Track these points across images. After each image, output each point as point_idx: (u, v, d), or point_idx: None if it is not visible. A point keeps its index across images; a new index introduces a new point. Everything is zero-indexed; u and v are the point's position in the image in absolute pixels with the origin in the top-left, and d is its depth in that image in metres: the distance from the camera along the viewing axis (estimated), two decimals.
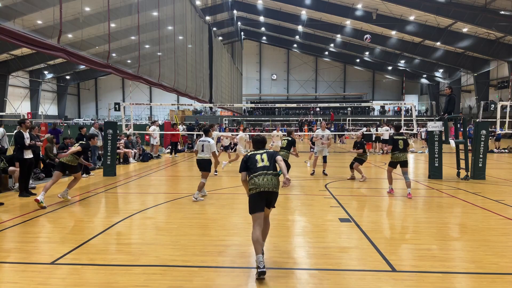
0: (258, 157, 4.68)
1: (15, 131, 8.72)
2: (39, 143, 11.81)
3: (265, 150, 4.83)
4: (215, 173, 12.11)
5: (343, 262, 4.60)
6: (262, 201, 4.47)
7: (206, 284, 3.97)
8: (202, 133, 9.43)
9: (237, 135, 16.50)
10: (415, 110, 17.51)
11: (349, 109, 51.36)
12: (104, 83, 60.93)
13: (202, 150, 8.33)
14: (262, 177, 4.46)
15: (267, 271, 4.26)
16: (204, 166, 8.30)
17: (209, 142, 8.33)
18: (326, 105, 49.30)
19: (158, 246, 5.12)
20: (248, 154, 4.81)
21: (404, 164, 8.72)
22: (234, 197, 8.57)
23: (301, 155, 15.96)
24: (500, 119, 20.32)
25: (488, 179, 10.98)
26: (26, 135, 8.55)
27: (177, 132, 20.46)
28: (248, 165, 4.63)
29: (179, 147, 21.63)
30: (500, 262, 4.56)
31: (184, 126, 24.02)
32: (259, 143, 4.96)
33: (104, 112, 58.50)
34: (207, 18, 31.52)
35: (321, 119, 37.35)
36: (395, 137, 8.81)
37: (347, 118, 39.81)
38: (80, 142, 8.34)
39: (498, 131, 20.85)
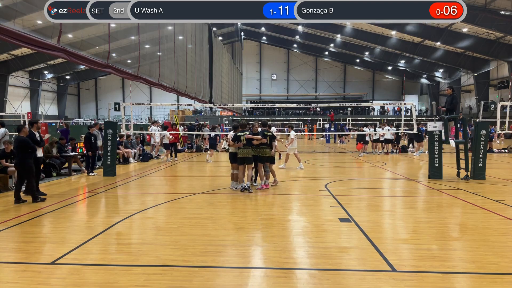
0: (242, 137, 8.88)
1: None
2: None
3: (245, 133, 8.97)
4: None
5: (343, 262, 4.60)
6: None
7: (206, 284, 3.97)
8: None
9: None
10: (415, 110, 17.50)
11: (349, 109, 51.36)
12: (104, 83, 60.95)
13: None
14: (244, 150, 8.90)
15: (267, 271, 4.29)
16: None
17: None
18: (326, 105, 49.27)
19: (158, 246, 5.13)
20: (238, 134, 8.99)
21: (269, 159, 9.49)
22: (234, 197, 8.57)
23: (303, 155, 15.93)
24: (500, 119, 20.32)
25: (488, 179, 10.98)
26: (37, 134, 8.74)
27: (176, 132, 20.36)
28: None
29: (179, 147, 21.61)
30: (500, 262, 4.55)
31: (183, 127, 23.96)
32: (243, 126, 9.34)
33: (104, 112, 58.52)
34: None
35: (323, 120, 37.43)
36: (239, 134, 9.10)
37: (347, 118, 39.82)
38: None
39: (499, 131, 20.85)
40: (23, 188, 8.43)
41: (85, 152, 12.67)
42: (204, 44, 25.65)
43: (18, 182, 8.07)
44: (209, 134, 18.60)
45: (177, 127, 21.34)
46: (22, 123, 9.46)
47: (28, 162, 7.95)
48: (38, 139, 8.72)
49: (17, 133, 8.44)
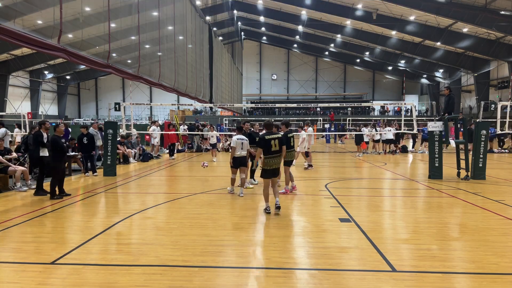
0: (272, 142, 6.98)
1: (34, 131, 9.19)
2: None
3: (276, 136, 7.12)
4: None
5: (343, 262, 4.60)
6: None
7: (206, 284, 3.97)
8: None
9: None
10: (415, 110, 17.47)
11: (349, 109, 51.34)
12: (104, 83, 60.92)
13: (242, 148, 8.79)
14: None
15: (267, 271, 4.29)
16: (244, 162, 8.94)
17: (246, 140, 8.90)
18: (326, 105, 49.14)
19: (158, 246, 5.13)
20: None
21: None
22: (234, 197, 8.57)
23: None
24: (500, 119, 20.30)
25: (488, 179, 10.98)
26: (45, 135, 8.87)
27: (174, 132, 20.35)
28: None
29: (179, 147, 21.62)
30: (500, 262, 4.55)
31: (186, 126, 23.96)
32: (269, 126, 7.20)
33: (104, 112, 58.51)
34: (207, 18, 31.54)
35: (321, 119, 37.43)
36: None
37: (347, 118, 39.81)
38: None
39: (499, 131, 20.81)
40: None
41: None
42: (204, 44, 25.62)
43: (51, 179, 8.39)
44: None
45: (177, 128, 21.39)
46: (34, 123, 9.49)
47: (54, 161, 8.32)
48: (45, 139, 8.80)
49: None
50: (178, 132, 20.88)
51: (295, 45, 54.48)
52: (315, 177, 11.76)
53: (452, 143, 11.41)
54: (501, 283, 4.01)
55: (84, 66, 30.54)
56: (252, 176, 10.30)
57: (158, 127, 20.30)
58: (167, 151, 20.99)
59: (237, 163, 8.77)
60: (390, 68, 51.70)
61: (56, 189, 8.34)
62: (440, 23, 34.10)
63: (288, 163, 8.87)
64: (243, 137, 8.92)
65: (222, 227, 6.11)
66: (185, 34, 20.18)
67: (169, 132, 19.62)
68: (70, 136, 14.75)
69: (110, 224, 6.20)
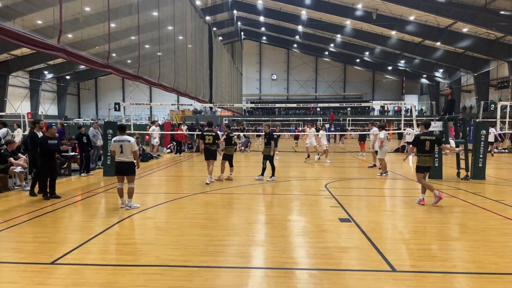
0: None
1: (30, 133, 9.26)
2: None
3: None
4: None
5: (343, 262, 4.60)
6: None
7: (206, 284, 3.97)
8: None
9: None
10: (415, 110, 17.43)
11: (349, 109, 51.37)
12: (104, 83, 60.88)
13: (121, 152, 7.49)
14: None
15: (267, 271, 4.28)
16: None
17: (129, 141, 7.48)
18: (326, 105, 49.25)
19: (158, 246, 5.12)
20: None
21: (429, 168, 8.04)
22: (234, 197, 8.57)
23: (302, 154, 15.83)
24: (500, 119, 20.30)
25: (488, 179, 10.98)
26: (39, 135, 8.82)
27: (181, 132, 20.43)
28: None
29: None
30: (500, 262, 4.56)
31: (186, 127, 23.98)
32: None
33: (104, 112, 58.46)
34: (207, 18, 31.51)
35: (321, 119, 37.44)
36: (421, 137, 7.66)
37: (347, 118, 39.80)
38: None
39: (498, 131, 20.81)
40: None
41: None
42: (204, 44, 25.61)
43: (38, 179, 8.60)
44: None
45: (180, 127, 21.49)
46: (35, 124, 9.62)
47: (41, 161, 8.33)
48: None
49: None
50: (183, 132, 20.95)
51: (295, 45, 54.48)
52: (315, 177, 11.76)
53: (452, 143, 11.41)
54: (501, 283, 4.01)
55: (84, 66, 30.48)
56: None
57: (158, 127, 20.31)
58: (168, 151, 21.00)
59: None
60: (390, 68, 51.71)
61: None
62: (440, 23, 34.10)
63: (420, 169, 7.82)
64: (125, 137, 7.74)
65: (222, 227, 6.11)
66: (185, 34, 20.17)
67: (176, 132, 19.79)
68: (69, 136, 14.78)
69: (110, 224, 6.20)
